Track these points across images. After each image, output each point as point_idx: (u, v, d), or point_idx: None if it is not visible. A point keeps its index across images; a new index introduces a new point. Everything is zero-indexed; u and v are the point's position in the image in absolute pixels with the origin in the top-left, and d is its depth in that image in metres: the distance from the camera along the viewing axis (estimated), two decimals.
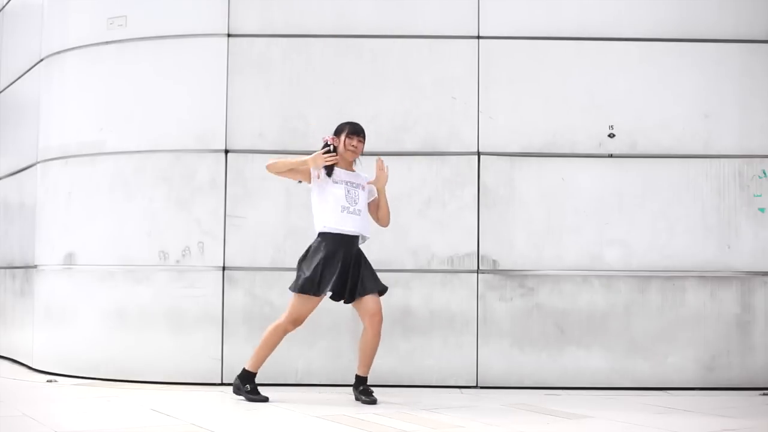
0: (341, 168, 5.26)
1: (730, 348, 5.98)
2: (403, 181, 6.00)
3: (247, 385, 5.22)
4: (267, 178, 6.04)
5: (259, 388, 5.20)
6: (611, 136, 6.06)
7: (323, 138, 5.27)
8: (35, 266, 6.73)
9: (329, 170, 5.19)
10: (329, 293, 5.13)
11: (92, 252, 6.31)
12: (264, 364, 5.24)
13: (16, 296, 7.30)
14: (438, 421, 4.61)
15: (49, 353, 6.47)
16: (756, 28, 6.14)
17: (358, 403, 5.16)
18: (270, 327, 5.23)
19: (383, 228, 5.43)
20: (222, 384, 5.93)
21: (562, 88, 6.09)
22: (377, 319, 5.13)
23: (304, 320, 5.22)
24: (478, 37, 6.10)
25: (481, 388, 5.91)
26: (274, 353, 5.17)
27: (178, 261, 6.08)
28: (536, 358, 5.96)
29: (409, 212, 5.99)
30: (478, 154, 6.06)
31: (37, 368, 6.58)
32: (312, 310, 5.20)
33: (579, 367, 5.95)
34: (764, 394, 5.74)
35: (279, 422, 4.68)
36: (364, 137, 5.30)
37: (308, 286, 5.09)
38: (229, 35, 6.15)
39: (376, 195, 5.33)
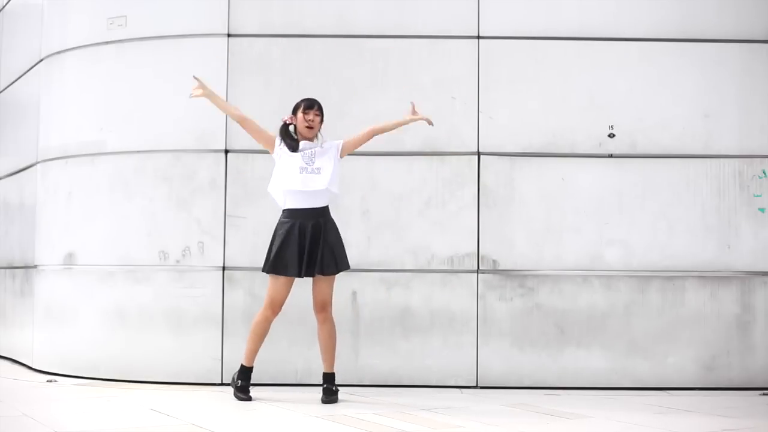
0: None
1: (730, 348, 5.98)
2: (403, 181, 6.01)
3: (239, 381, 5.20)
4: (267, 178, 6.04)
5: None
6: (611, 136, 6.06)
7: (282, 118, 5.26)
8: (35, 266, 6.73)
9: (290, 146, 5.14)
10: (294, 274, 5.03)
11: (92, 252, 6.31)
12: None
13: (16, 296, 7.30)
14: (438, 421, 4.61)
15: (49, 353, 6.47)
16: (756, 28, 6.14)
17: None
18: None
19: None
20: (222, 384, 5.92)
21: (562, 88, 6.09)
22: (322, 316, 5.12)
23: (280, 305, 5.12)
24: (478, 37, 6.10)
25: (481, 388, 5.91)
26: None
27: (178, 261, 6.08)
28: (536, 358, 5.96)
29: (409, 212, 5.99)
30: (478, 154, 6.06)
31: (37, 368, 6.58)
32: (284, 293, 5.10)
33: (579, 367, 5.95)
34: (764, 394, 5.74)
35: (279, 422, 4.68)
36: (320, 111, 5.21)
37: (268, 264, 5.10)
38: (229, 35, 6.15)
39: (345, 141, 5.22)
